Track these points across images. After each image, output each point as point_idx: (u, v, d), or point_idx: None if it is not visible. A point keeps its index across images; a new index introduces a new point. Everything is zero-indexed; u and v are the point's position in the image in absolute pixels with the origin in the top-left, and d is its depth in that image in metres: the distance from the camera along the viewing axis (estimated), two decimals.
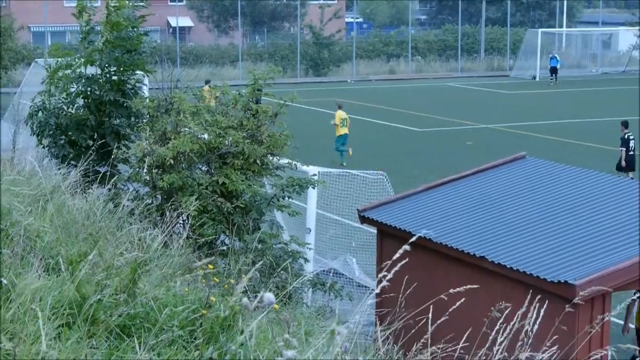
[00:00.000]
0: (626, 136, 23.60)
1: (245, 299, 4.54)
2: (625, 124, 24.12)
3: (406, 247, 4.84)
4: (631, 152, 23.33)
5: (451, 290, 6.17)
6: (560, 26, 67.90)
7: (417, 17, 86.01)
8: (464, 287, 6.16)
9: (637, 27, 63.45)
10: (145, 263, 6.41)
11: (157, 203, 10.54)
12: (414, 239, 5.45)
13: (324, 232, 15.83)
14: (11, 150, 10.86)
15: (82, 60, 12.33)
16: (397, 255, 4.82)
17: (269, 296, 3.98)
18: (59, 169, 10.52)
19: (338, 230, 16.24)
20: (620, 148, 23.59)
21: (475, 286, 6.47)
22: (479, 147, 30.39)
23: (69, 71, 12.33)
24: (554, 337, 6.49)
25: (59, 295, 5.32)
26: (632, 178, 21.69)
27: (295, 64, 57.46)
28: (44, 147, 12.01)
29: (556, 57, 53.72)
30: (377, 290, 4.78)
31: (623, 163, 23.30)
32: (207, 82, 31.64)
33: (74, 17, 12.55)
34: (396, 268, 4.88)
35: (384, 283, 4.64)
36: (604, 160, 26.84)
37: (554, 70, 52.87)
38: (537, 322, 5.72)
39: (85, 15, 12.48)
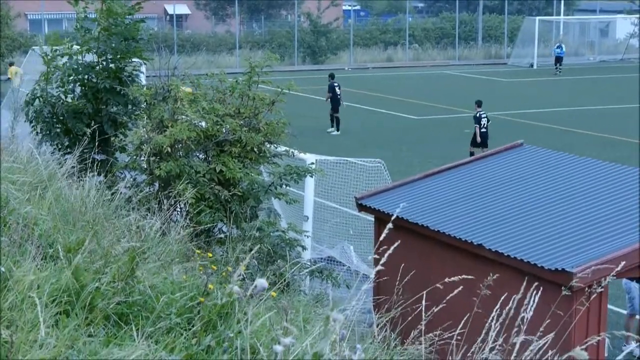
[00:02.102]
0: (479, 114, 25.59)
1: (236, 287, 4.54)
2: (479, 103, 26.06)
3: (390, 225, 4.85)
4: (484, 130, 25.45)
5: (447, 279, 6.17)
6: (558, 14, 67.81)
7: (415, 4, 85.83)
8: (460, 276, 6.17)
9: (635, 15, 63.40)
10: (143, 251, 6.41)
11: (154, 191, 10.54)
12: (393, 217, 5.46)
13: (321, 220, 15.85)
14: (9, 138, 10.84)
15: (80, 49, 12.31)
16: (383, 235, 4.83)
17: (261, 282, 3.98)
18: (53, 154, 10.51)
19: (336, 218, 16.25)
20: (475, 125, 25.55)
21: (470, 277, 6.48)
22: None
23: (66, 59, 12.31)
24: (551, 325, 6.50)
25: (56, 283, 5.32)
26: (472, 152, 23.92)
27: (293, 51, 57.38)
28: (37, 134, 11.99)
29: (562, 46, 53.55)
30: (373, 275, 4.77)
31: (478, 139, 25.31)
32: (11, 64, 36.13)
33: (70, 4, 12.53)
34: (389, 251, 4.88)
35: (379, 267, 4.64)
36: (602, 148, 26.86)
37: (558, 60, 52.63)
38: (534, 310, 5.73)
39: (81, 3, 12.45)
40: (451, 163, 11.94)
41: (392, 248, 4.83)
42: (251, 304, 5.13)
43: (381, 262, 4.72)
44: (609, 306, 10.83)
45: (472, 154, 24.81)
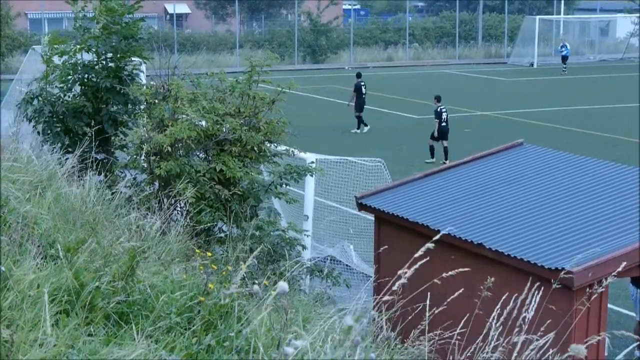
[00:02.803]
0: (439, 109, 26.64)
1: (256, 287, 4.54)
2: (438, 98, 27.07)
3: (429, 245, 4.80)
4: (444, 124, 26.40)
5: (444, 274, 6.15)
6: (558, 13, 67.81)
7: (415, 3, 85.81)
8: (456, 270, 6.16)
9: (635, 14, 63.38)
10: (143, 250, 6.40)
11: (154, 190, 10.53)
12: (438, 236, 5.41)
13: (321, 219, 15.84)
14: (9, 137, 10.84)
15: (78, 47, 12.30)
16: (420, 252, 4.77)
17: (282, 285, 3.95)
18: (52, 154, 10.50)
19: (334, 219, 16.25)
20: (435, 120, 26.49)
21: (466, 269, 6.46)
22: (477, 134, 30.39)
23: (65, 58, 12.30)
24: (551, 324, 6.50)
25: (57, 282, 5.32)
26: (446, 146, 26.05)
27: (293, 51, 57.37)
28: (38, 134, 11.99)
29: (566, 45, 53.55)
30: (396, 287, 4.72)
31: (436, 134, 26.37)
32: None
33: (69, 4, 12.51)
34: (416, 266, 4.83)
35: (403, 280, 4.61)
36: (602, 147, 26.85)
37: (564, 59, 52.54)
38: (535, 309, 5.73)
39: (80, 3, 12.44)
40: (451, 162, 11.93)
41: (419, 264, 4.81)
42: (251, 305, 5.13)
43: (407, 275, 4.68)
44: (609, 306, 10.83)
45: (432, 147, 26.29)
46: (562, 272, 7.68)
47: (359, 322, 3.51)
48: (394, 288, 4.83)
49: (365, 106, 31.85)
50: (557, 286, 6.99)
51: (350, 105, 32.08)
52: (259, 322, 5.02)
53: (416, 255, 4.98)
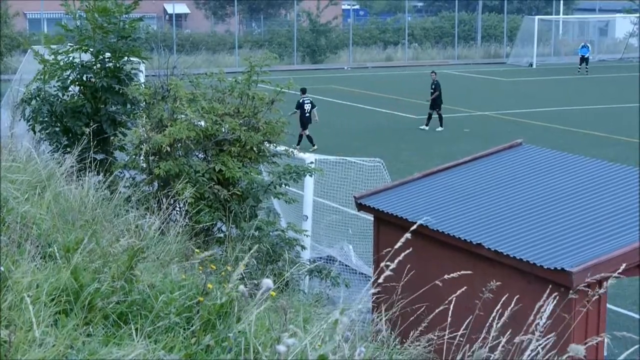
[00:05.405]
0: (301, 100, 28.36)
1: (242, 287, 4.53)
2: (303, 90, 28.60)
3: (407, 235, 4.79)
4: (307, 114, 28.26)
5: (445, 276, 6.15)
6: (557, 13, 67.81)
7: (414, 4, 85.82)
8: (458, 272, 6.16)
9: (634, 14, 63.39)
10: (142, 250, 6.39)
11: (153, 190, 10.52)
12: (414, 227, 5.41)
13: (321, 220, 15.83)
14: (8, 137, 10.83)
15: (74, 47, 12.29)
16: (399, 244, 4.77)
17: (267, 282, 3.97)
18: (50, 153, 10.49)
19: (335, 218, 16.23)
20: (295, 110, 27.83)
21: (468, 272, 6.46)
22: (476, 134, 30.39)
23: (62, 57, 12.29)
24: (551, 325, 6.49)
25: (56, 282, 5.31)
26: (301, 134, 27.86)
27: (292, 51, 57.37)
28: (34, 133, 11.98)
29: (587, 46, 53.51)
30: (381, 280, 4.73)
31: (299, 123, 27.88)
32: None
33: (63, 6, 12.49)
34: (399, 258, 4.83)
35: (387, 272, 4.60)
36: (601, 147, 26.85)
37: (583, 59, 52.45)
38: (533, 310, 5.71)
39: (76, 3, 12.44)
40: (450, 162, 11.92)
41: (402, 255, 4.80)
42: (253, 304, 5.12)
43: (390, 267, 4.68)
44: (609, 306, 10.82)
45: (308, 136, 27.90)
46: (566, 274, 7.67)
47: (346, 315, 3.50)
48: (380, 281, 4.80)
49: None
50: (574, 297, 6.96)
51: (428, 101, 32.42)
52: (256, 321, 5.01)
53: (396, 246, 4.96)
